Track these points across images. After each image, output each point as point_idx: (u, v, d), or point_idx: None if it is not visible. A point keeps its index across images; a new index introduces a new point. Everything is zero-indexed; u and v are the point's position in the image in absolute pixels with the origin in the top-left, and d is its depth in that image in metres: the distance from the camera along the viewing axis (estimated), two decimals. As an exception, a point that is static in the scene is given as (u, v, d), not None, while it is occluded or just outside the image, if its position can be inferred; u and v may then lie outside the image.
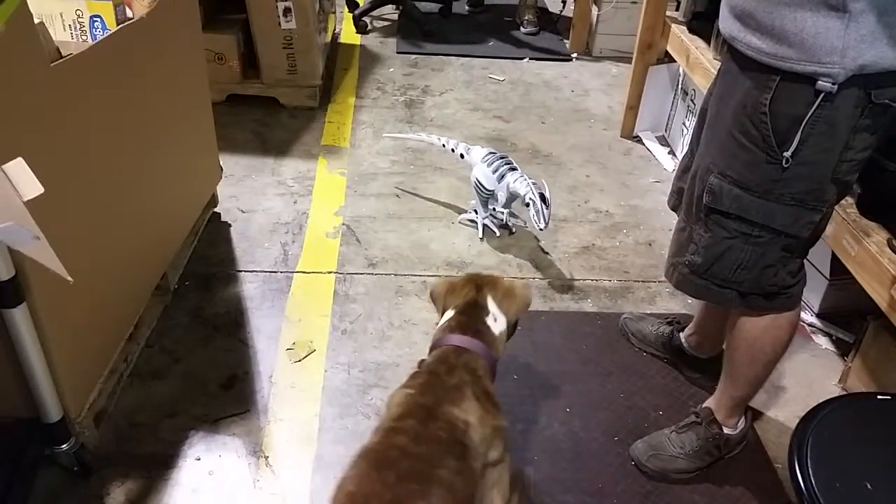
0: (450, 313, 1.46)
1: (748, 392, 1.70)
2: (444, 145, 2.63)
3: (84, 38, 1.79)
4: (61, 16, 1.78)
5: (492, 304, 1.46)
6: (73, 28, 1.79)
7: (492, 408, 1.31)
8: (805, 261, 1.54)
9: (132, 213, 1.83)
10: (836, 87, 1.21)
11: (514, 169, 2.37)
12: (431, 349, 1.42)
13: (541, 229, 2.27)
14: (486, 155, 2.44)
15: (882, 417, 1.10)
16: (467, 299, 1.45)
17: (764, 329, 1.55)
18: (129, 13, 1.85)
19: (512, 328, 1.51)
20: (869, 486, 0.94)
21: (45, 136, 1.40)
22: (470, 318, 1.43)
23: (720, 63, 1.55)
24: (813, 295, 2.27)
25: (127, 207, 1.79)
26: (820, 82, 1.22)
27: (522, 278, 2.36)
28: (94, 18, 1.79)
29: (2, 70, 1.24)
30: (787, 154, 1.29)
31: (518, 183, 2.31)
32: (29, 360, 1.44)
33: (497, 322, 1.44)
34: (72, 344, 1.56)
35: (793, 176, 1.32)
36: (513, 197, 2.38)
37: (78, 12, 1.77)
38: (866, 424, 1.06)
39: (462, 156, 2.56)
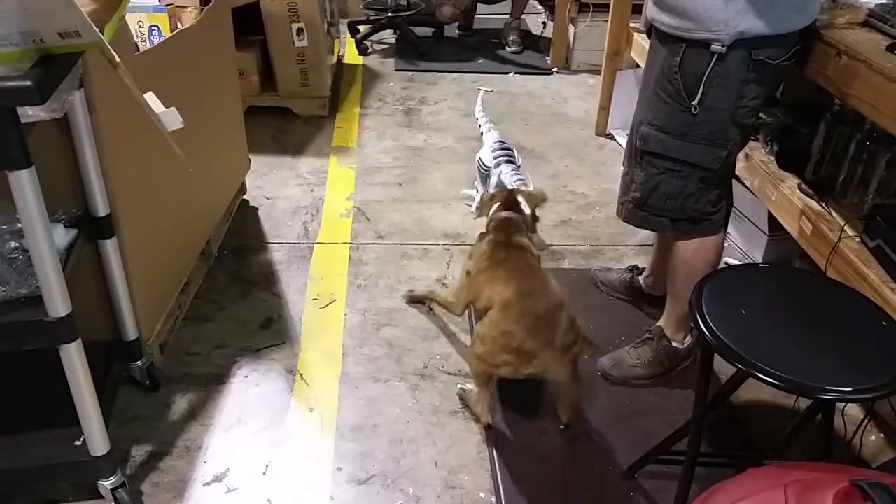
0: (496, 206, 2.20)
1: (688, 309, 2.08)
2: (477, 119, 3.02)
3: (144, 43, 2.22)
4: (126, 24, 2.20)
5: (521, 198, 2.18)
6: (136, 35, 2.21)
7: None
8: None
9: (183, 188, 2.24)
10: (725, 48, 1.63)
11: (510, 162, 2.74)
12: (490, 223, 2.14)
13: None
14: (495, 142, 2.79)
15: (758, 276, 1.51)
16: (507, 196, 2.18)
17: (694, 251, 1.95)
18: (179, 25, 2.28)
19: (534, 216, 2.20)
20: (743, 312, 1.34)
21: (129, 113, 1.82)
22: (508, 202, 2.16)
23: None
24: (756, 249, 2.66)
25: (179, 182, 2.20)
26: (713, 46, 1.64)
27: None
28: (153, 27, 2.22)
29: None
30: (695, 103, 1.71)
31: (505, 176, 2.65)
32: (115, 285, 1.83)
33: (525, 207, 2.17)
34: (145, 276, 1.96)
35: (700, 120, 1.73)
36: (500, 184, 2.77)
37: (140, 22, 2.21)
38: (746, 280, 1.45)
39: (482, 133, 2.94)
